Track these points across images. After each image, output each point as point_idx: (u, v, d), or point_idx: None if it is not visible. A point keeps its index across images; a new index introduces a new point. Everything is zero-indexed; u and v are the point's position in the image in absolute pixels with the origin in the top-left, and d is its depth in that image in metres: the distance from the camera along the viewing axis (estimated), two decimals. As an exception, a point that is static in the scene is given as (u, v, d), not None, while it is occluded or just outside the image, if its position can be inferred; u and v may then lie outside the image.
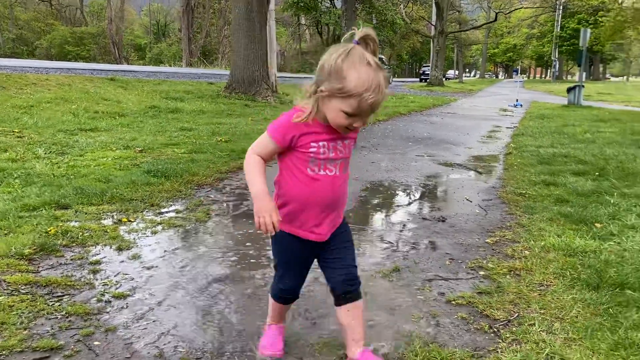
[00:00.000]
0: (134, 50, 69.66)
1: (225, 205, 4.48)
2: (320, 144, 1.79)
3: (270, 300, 2.15)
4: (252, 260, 3.20)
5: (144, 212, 4.09)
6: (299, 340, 2.26)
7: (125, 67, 27.11)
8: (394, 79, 44.13)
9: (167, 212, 4.13)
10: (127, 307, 2.50)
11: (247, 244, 3.50)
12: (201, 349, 2.15)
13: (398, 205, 4.75)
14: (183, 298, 2.63)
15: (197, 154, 6.47)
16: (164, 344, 2.16)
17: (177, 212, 4.16)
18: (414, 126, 11.38)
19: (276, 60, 16.31)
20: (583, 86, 19.69)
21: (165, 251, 3.29)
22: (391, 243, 3.63)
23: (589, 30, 19.83)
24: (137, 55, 67.48)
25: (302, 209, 1.86)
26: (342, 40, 1.73)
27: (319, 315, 2.50)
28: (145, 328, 2.30)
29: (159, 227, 3.75)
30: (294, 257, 1.98)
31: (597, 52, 56.86)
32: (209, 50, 51.55)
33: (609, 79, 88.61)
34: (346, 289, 1.93)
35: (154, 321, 2.36)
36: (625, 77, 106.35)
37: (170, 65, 38.55)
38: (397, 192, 5.26)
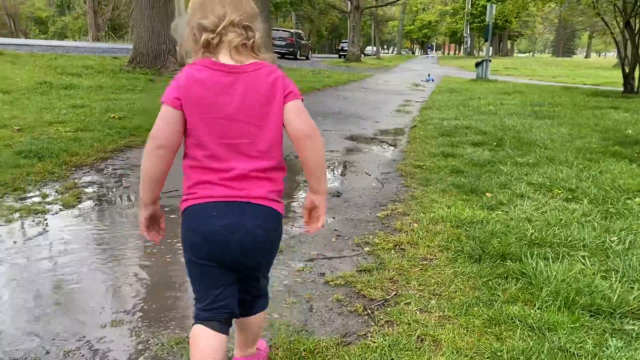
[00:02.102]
0: (36, 23, 64.42)
1: (101, 188, 4.06)
2: None
3: None
4: (113, 257, 2.85)
5: (3, 198, 3.60)
6: (149, 339, 1.98)
7: (19, 40, 24.90)
8: (314, 55, 43.83)
9: (31, 197, 3.66)
10: (-54, 312, 2.11)
11: (115, 234, 3.14)
12: (23, 358, 1.82)
13: (296, 181, 4.54)
14: (20, 298, 2.26)
15: (83, 132, 5.92)
16: (-23, 356, 1.82)
17: (44, 196, 3.70)
18: (326, 101, 11.20)
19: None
20: (490, 61, 20.39)
21: (14, 242, 2.87)
22: (279, 222, 3.41)
23: (494, 6, 20.47)
24: (39, 30, 62.49)
25: None
26: None
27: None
28: (-39, 337, 1.93)
29: (16, 215, 3.30)
30: None
31: (505, 29, 59.34)
32: (118, 24, 48.61)
33: (516, 54, 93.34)
34: None
35: (-25, 328, 2.00)
36: (531, 52, 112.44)
37: (76, 40, 35.99)
38: (297, 167, 5.04)
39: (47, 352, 1.86)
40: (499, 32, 58.16)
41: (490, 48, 22.86)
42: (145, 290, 2.39)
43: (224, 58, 1.43)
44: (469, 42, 58.49)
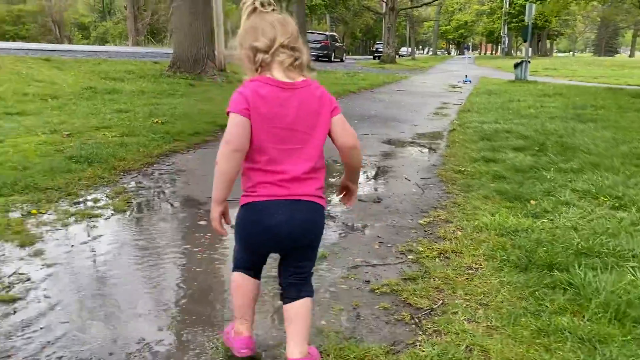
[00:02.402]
0: (78, 29, 66.42)
1: (150, 192, 4.20)
2: None
3: None
4: (165, 261, 2.96)
5: (58, 203, 3.77)
6: (204, 343, 2.06)
7: (64, 46, 25.75)
8: (348, 57, 43.81)
9: (84, 202, 3.83)
10: (14, 312, 2.23)
11: (164, 238, 3.26)
12: (89, 358, 1.92)
13: (335, 187, 4.58)
14: (81, 300, 2.38)
15: (128, 137, 6.11)
16: (46, 356, 1.92)
17: (95, 201, 3.86)
18: (362, 104, 11.22)
19: (224, 37, 15.74)
20: (529, 61, 20.00)
21: (72, 245, 3.01)
22: (321, 228, 3.47)
23: (534, 6, 20.05)
24: (82, 35, 64.39)
25: None
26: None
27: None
28: (30, 337, 2.04)
29: (72, 219, 3.45)
30: None
31: (544, 28, 58.08)
32: (157, 29, 49.68)
33: (556, 54, 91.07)
34: None
35: (41, 328, 2.11)
36: (571, 52, 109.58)
37: (117, 45, 37.01)
38: (335, 172, 5.10)
39: (111, 354, 1.95)
40: (537, 32, 56.90)
41: (529, 49, 22.40)
42: (197, 295, 2.48)
43: (278, 75, 1.66)
44: (506, 42, 57.46)
